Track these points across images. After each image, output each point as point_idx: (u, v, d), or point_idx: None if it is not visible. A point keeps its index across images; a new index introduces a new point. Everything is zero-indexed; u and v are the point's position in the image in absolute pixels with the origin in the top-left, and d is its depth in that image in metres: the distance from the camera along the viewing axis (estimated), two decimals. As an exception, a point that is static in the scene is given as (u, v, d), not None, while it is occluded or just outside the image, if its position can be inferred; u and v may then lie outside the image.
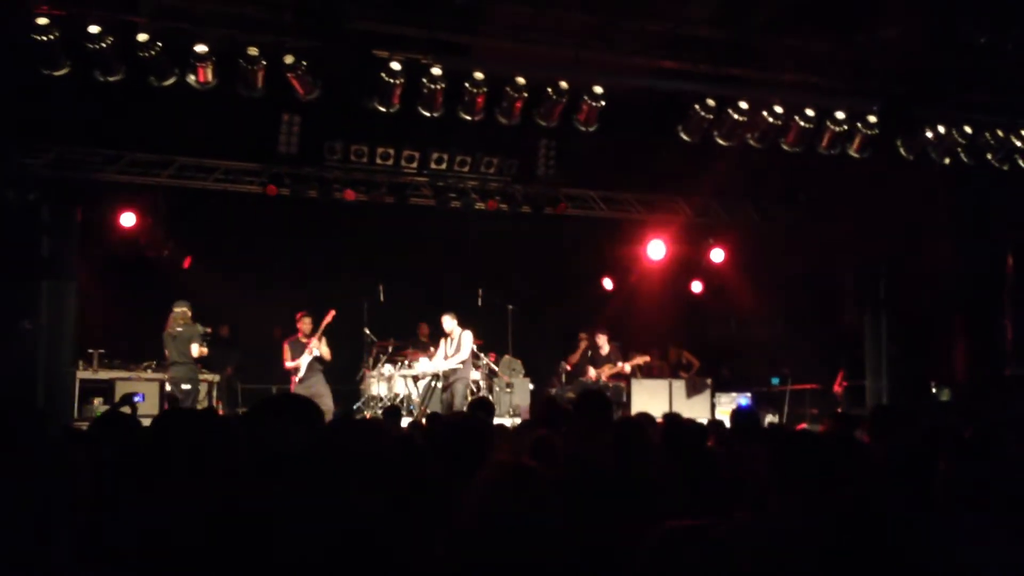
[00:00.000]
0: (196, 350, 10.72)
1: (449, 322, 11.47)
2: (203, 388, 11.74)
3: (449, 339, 11.51)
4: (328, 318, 11.50)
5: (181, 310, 10.82)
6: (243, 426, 2.46)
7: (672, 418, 5.08)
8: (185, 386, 10.64)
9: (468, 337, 11.43)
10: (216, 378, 12.39)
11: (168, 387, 10.90)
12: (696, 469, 3.34)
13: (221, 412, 10.95)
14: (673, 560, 1.94)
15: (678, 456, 3.65)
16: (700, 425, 5.43)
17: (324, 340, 11.37)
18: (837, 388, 13.59)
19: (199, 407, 10.57)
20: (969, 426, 4.56)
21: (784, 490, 2.86)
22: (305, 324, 11.42)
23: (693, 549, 1.95)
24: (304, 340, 11.41)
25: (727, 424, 7.19)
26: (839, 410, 12.17)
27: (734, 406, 13.00)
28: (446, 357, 11.45)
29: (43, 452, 2.73)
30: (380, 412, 11.36)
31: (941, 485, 3.16)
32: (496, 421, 7.34)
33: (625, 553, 2.10)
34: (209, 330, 11.27)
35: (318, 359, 11.37)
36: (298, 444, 2.43)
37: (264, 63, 9.14)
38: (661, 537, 1.98)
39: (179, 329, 10.73)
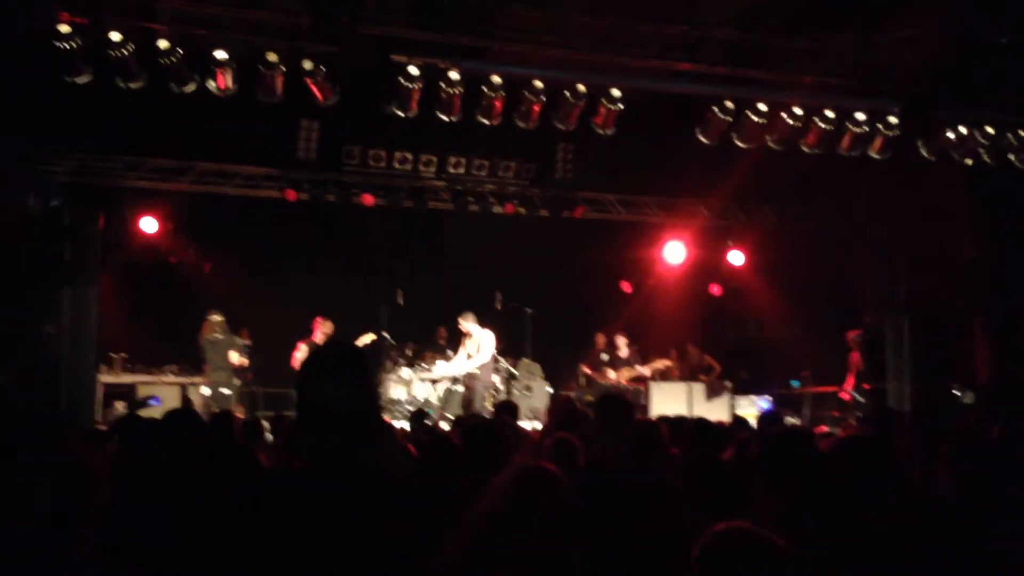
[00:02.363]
0: (236, 358, 10.91)
1: (468, 323, 11.43)
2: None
3: (470, 340, 11.45)
4: (366, 340, 11.68)
5: (218, 318, 10.99)
6: (295, 385, 2.46)
7: (695, 422, 5.07)
8: (225, 391, 10.80)
9: (490, 337, 11.36)
10: (237, 382, 12.45)
11: (207, 391, 11.01)
12: (715, 473, 3.34)
13: (241, 416, 11.01)
14: (725, 562, 1.95)
15: (697, 460, 3.65)
16: (723, 428, 5.41)
17: None
18: (848, 386, 13.23)
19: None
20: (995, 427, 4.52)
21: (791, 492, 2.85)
22: (327, 326, 11.46)
23: (742, 551, 1.95)
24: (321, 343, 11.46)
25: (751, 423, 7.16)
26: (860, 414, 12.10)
27: (754, 409, 12.93)
28: (469, 358, 11.40)
29: (64, 455, 2.76)
30: (400, 416, 11.40)
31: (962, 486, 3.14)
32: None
33: (642, 555, 2.10)
34: (250, 342, 11.40)
35: None
36: (347, 399, 2.39)
37: (283, 69, 9.20)
38: (711, 539, 1.99)
39: (219, 336, 10.92)
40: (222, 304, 11.49)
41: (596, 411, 5.10)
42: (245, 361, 11.10)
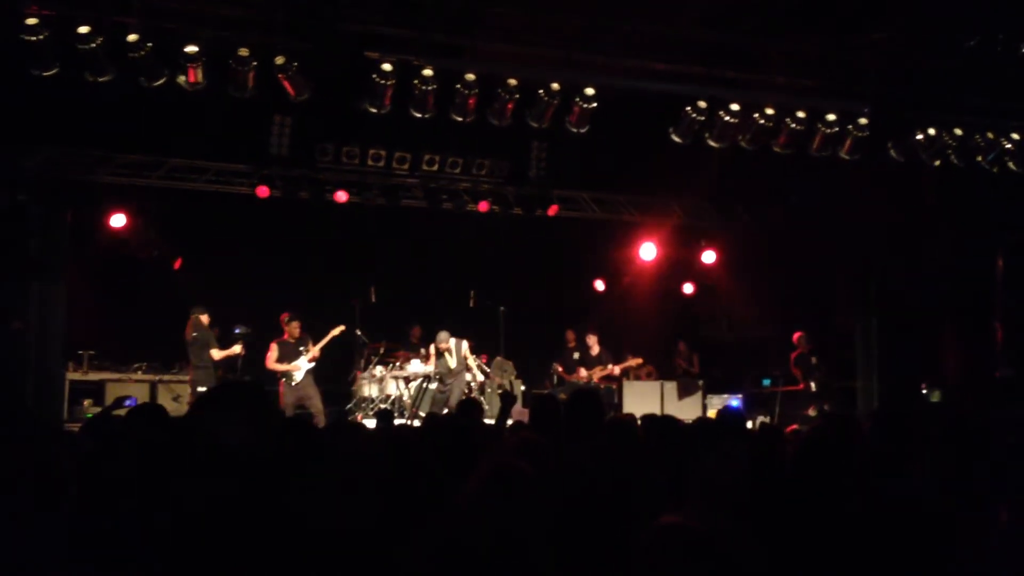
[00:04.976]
0: (217, 354, 10.87)
1: (445, 338, 11.76)
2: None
3: (451, 353, 11.82)
4: (336, 332, 11.56)
5: (197, 316, 10.94)
6: (189, 423, 2.35)
7: (656, 419, 5.08)
8: (201, 389, 10.73)
9: (464, 345, 12.01)
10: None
11: (190, 390, 11.00)
12: (681, 469, 3.34)
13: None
14: (665, 559, 1.93)
15: (664, 457, 3.66)
16: (687, 425, 5.43)
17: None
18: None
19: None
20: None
21: (767, 490, 2.86)
22: (293, 327, 11.35)
23: (684, 548, 1.94)
24: (292, 341, 11.34)
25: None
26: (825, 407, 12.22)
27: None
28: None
29: (31, 453, 2.72)
30: (372, 414, 11.35)
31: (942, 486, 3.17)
32: (487, 422, 7.34)
33: (613, 553, 2.09)
34: (249, 329, 11.38)
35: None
36: (245, 439, 2.26)
37: (255, 64, 9.10)
38: (653, 536, 1.98)
39: (194, 334, 10.87)
40: (190, 302, 11.38)
41: (568, 409, 5.11)
42: (227, 351, 11.07)
